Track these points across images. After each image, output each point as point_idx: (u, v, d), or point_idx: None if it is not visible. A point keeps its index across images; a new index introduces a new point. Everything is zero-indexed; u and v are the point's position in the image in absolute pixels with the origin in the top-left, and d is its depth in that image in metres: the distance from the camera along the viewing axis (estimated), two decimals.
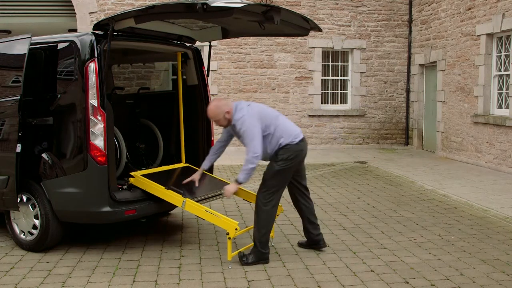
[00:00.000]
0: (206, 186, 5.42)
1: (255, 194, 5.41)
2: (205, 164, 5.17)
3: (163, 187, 4.88)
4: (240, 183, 4.61)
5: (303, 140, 4.73)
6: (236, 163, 10.70)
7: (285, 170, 4.63)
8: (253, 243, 4.72)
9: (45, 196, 4.84)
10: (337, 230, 5.78)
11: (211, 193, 5.21)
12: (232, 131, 4.79)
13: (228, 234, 4.50)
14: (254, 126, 4.51)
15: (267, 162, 4.74)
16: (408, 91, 13.93)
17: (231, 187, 4.69)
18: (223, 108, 4.62)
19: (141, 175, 5.08)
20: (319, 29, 5.33)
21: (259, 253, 4.63)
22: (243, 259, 4.62)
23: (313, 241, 5.05)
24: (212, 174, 5.96)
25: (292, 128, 4.72)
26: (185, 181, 5.14)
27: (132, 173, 5.11)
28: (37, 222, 4.93)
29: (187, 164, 5.89)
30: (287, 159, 4.60)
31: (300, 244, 5.17)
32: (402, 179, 9.05)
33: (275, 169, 4.61)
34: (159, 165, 5.98)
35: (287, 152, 4.60)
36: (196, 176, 5.16)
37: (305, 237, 5.12)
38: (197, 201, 4.81)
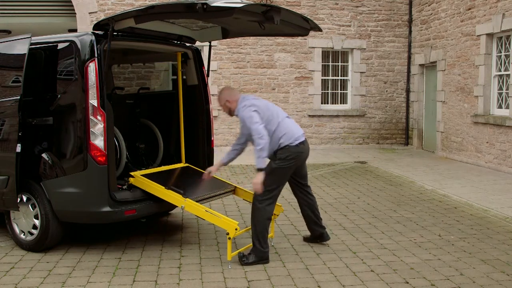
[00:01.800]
0: (207, 186, 5.42)
1: None
2: (224, 159, 5.18)
3: (163, 187, 4.88)
4: (261, 169, 4.57)
5: (303, 143, 4.77)
6: (236, 163, 10.67)
7: (282, 169, 4.67)
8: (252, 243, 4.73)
9: (45, 196, 4.84)
10: (337, 230, 5.78)
11: (211, 193, 5.23)
12: (241, 124, 4.83)
13: (228, 234, 4.50)
14: (255, 113, 4.61)
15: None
16: (408, 91, 13.93)
17: (257, 178, 4.57)
18: (224, 95, 4.86)
19: (141, 175, 5.08)
20: (319, 29, 5.33)
21: (258, 252, 4.63)
22: (243, 259, 4.62)
23: (316, 236, 5.20)
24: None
25: (295, 130, 4.76)
26: (204, 176, 5.29)
27: (132, 173, 5.11)
28: (37, 222, 4.93)
29: (187, 164, 5.89)
30: (285, 158, 4.65)
31: (305, 239, 5.30)
32: (402, 179, 9.05)
33: (272, 167, 4.67)
34: (159, 165, 5.98)
35: (285, 152, 4.66)
36: (213, 169, 5.26)
37: (309, 231, 5.25)
38: (197, 201, 4.82)
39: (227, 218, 4.63)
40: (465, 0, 11.14)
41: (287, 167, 4.68)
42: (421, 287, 4.12)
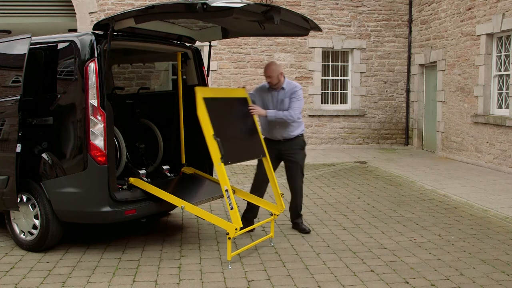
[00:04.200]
0: (206, 190, 5.45)
1: (255, 196, 5.46)
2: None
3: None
4: (266, 115, 5.36)
5: None
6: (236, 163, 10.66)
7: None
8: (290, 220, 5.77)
9: (45, 196, 4.84)
10: (337, 230, 5.78)
11: (211, 197, 5.27)
12: (277, 96, 5.46)
13: (228, 234, 4.51)
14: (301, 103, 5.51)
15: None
16: (408, 91, 13.93)
17: (262, 111, 5.35)
18: (279, 69, 5.42)
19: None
20: (319, 29, 5.34)
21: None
22: (306, 229, 5.61)
23: (250, 222, 5.68)
24: (212, 176, 5.97)
25: None
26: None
27: (132, 182, 5.11)
28: (37, 222, 4.93)
29: (194, 170, 5.88)
30: (305, 145, 5.67)
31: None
32: (402, 179, 9.05)
33: (305, 155, 5.65)
34: (159, 165, 5.99)
35: (303, 139, 5.64)
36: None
37: (248, 216, 5.72)
38: (196, 205, 4.85)
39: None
40: (465, 0, 11.14)
41: None
42: (421, 287, 4.12)
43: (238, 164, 10.58)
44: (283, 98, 5.43)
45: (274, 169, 5.51)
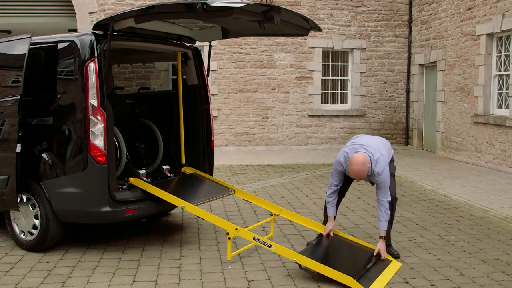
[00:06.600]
0: (206, 191, 5.46)
1: (255, 196, 5.46)
2: (333, 212, 5.06)
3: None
4: (385, 237, 4.66)
5: None
6: (236, 163, 10.69)
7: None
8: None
9: (45, 196, 4.84)
10: (337, 230, 5.77)
11: (211, 198, 5.28)
12: (366, 179, 4.74)
13: (228, 234, 4.51)
14: (388, 177, 4.76)
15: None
16: (408, 91, 13.93)
17: (382, 246, 4.62)
18: (368, 165, 4.57)
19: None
20: (319, 29, 5.34)
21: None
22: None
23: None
24: (212, 176, 5.98)
25: None
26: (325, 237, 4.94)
27: (132, 182, 5.11)
28: (37, 222, 4.93)
29: (194, 170, 5.88)
30: None
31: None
32: (402, 179, 9.04)
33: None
34: (159, 165, 5.99)
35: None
36: (330, 226, 5.00)
37: None
38: (196, 205, 4.85)
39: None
40: (465, 0, 11.14)
41: None
42: (421, 287, 4.12)
43: (238, 163, 10.60)
44: (371, 181, 4.82)
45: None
